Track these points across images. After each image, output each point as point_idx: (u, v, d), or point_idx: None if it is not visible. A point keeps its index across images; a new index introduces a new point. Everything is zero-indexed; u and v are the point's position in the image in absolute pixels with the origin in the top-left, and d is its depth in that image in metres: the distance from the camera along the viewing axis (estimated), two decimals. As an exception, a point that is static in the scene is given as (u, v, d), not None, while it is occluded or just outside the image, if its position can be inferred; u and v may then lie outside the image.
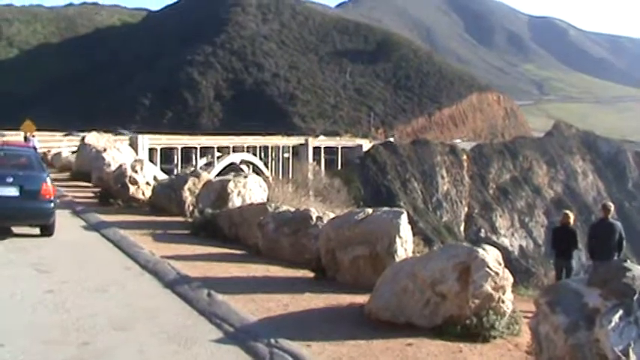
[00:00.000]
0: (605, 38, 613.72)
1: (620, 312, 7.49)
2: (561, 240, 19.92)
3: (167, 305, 11.48)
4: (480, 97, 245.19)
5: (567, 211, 21.14)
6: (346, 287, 12.78)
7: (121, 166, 27.35)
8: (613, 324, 7.42)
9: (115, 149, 36.87)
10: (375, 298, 10.90)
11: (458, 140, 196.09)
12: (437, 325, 10.25)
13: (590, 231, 19.65)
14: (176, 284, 12.75)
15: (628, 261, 8.31)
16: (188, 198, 23.09)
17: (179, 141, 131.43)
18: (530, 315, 9.16)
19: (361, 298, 11.57)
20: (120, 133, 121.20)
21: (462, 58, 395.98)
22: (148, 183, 26.23)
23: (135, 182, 26.01)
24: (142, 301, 11.64)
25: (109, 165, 31.18)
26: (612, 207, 20.13)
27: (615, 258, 18.41)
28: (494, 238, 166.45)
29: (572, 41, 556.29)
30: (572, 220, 20.40)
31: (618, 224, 19.27)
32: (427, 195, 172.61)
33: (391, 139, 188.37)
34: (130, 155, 38.33)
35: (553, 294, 8.43)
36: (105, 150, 34.65)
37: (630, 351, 7.33)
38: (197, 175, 24.36)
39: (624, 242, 18.81)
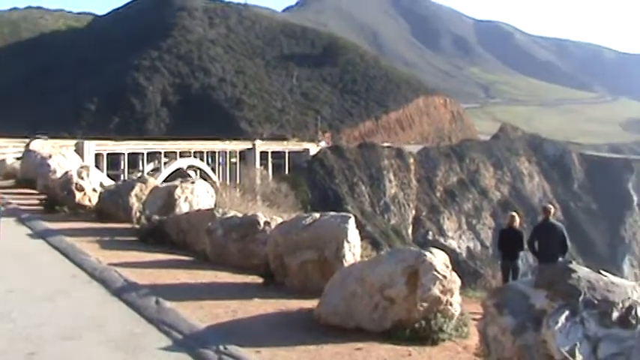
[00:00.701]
0: (551, 42, 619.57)
1: (566, 313, 7.58)
2: (508, 242, 20.06)
3: (115, 313, 11.40)
4: (427, 101, 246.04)
5: (513, 213, 21.32)
6: (295, 292, 12.79)
7: (66, 172, 27.08)
8: (559, 325, 7.51)
9: (61, 155, 36.45)
10: (323, 303, 10.92)
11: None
12: (386, 329, 10.30)
13: (532, 233, 19.85)
14: (124, 292, 12.66)
15: (573, 262, 8.41)
16: (135, 204, 22.90)
17: (125, 146, 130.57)
18: (478, 317, 9.23)
19: (310, 303, 11.58)
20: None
21: (409, 62, 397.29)
22: (94, 189, 26.00)
23: (81, 189, 25.78)
24: (89, 310, 11.55)
25: (55, 172, 30.85)
26: (553, 209, 20.33)
27: (560, 259, 18.59)
28: (441, 240, 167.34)
29: (517, 45, 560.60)
30: (518, 222, 20.55)
31: (560, 226, 19.48)
32: (375, 198, 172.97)
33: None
34: (76, 161, 37.93)
35: (500, 296, 8.50)
36: (50, 156, 34.26)
37: (576, 351, 7.42)
38: (144, 181, 24.19)
39: (568, 243, 18.98)
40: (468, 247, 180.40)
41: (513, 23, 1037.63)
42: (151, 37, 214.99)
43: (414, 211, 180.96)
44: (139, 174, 77.96)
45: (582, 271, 7.99)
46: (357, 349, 9.67)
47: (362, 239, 14.67)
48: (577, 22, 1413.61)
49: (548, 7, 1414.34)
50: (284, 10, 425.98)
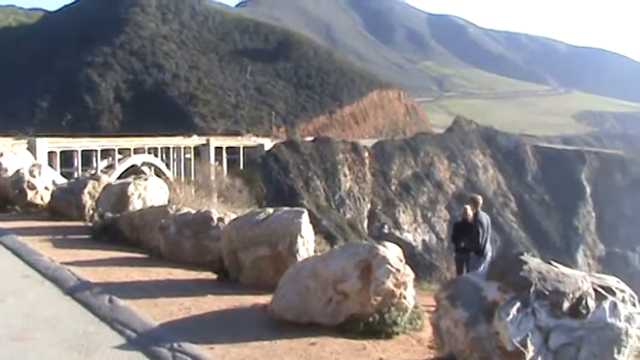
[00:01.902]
0: (503, 35, 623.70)
1: (518, 304, 7.62)
2: (461, 234, 20.10)
3: (68, 313, 11.29)
4: (381, 95, 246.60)
5: (467, 206, 21.32)
6: (249, 288, 12.75)
7: (18, 170, 26.78)
8: (511, 316, 7.55)
9: (12, 154, 36.07)
10: (277, 298, 10.91)
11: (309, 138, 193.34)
12: (340, 324, 10.30)
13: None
14: (77, 291, 12.53)
15: (525, 254, 8.46)
16: (88, 202, 22.70)
17: (79, 143, 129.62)
18: (433, 310, 9.26)
19: (264, 299, 11.56)
20: None
21: (363, 56, 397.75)
22: (46, 188, 25.73)
23: (33, 187, 25.50)
24: (41, 310, 11.42)
25: (6, 170, 30.50)
26: (481, 199, 20.35)
27: (487, 249, 18.83)
28: (397, 233, 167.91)
29: (470, 38, 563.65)
30: (471, 214, 20.56)
31: (486, 217, 19.58)
32: (330, 193, 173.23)
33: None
34: (28, 159, 37.56)
35: (453, 288, 8.54)
36: (1, 155, 33.89)
37: (528, 342, 7.48)
38: (97, 179, 23.99)
39: (487, 233, 19.04)
40: (423, 240, 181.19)
41: (466, 17, 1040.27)
42: (104, 33, 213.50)
43: (369, 205, 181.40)
44: (93, 171, 77.56)
45: (534, 263, 8.04)
46: (311, 343, 9.67)
47: (316, 234, 14.70)
48: (529, 15, 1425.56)
49: (501, 0, 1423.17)
50: (237, 5, 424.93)
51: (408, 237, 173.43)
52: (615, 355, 7.79)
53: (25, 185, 25.40)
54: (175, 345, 9.30)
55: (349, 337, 9.94)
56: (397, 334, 10.23)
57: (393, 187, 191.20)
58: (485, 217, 19.44)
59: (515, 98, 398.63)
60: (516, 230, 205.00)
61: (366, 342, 9.82)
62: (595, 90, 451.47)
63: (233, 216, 15.76)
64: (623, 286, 8.20)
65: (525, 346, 7.46)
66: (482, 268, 18.59)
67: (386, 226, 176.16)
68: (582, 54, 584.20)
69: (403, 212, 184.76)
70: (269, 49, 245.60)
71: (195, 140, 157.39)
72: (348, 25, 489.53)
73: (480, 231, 19.21)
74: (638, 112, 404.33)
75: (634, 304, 8.06)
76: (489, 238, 19.17)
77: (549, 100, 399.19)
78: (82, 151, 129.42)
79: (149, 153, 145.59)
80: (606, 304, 7.86)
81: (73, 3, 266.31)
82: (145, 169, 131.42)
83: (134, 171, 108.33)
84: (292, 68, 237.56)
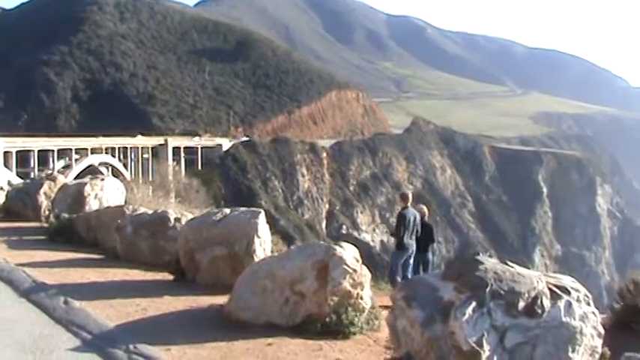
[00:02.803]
0: (461, 36, 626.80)
1: (474, 304, 7.67)
2: (428, 235, 20.09)
3: (22, 315, 11.20)
4: (339, 95, 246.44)
5: (422, 206, 21.32)
6: (206, 289, 12.73)
7: (-29, 171, 26.58)
8: (467, 316, 7.60)
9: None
10: (234, 298, 10.90)
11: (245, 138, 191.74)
12: (297, 324, 10.33)
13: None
14: (32, 293, 12.43)
15: (481, 254, 8.50)
16: (44, 202, 22.57)
17: (35, 143, 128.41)
18: (390, 309, 9.28)
19: (221, 299, 11.55)
20: None
21: (321, 57, 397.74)
22: (1, 188, 25.55)
23: (-13, 188, 25.31)
24: (-5, 312, 11.32)
25: (-39, 171, 30.25)
26: (410, 195, 20.22)
27: (408, 244, 18.83)
28: (355, 234, 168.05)
29: (429, 39, 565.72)
30: (427, 215, 20.59)
31: (413, 212, 19.55)
32: (288, 193, 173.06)
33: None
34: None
35: (409, 289, 8.58)
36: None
37: (484, 341, 7.53)
38: (53, 179, 23.84)
39: (408, 229, 19.00)
40: (381, 241, 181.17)
41: (425, 18, 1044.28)
42: (61, 31, 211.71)
43: (327, 206, 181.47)
44: (49, 171, 77.00)
45: (489, 263, 8.10)
46: (268, 344, 9.67)
47: (273, 234, 14.71)
48: (487, 17, 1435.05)
49: (459, 2, 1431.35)
50: (196, 5, 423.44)
51: (366, 237, 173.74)
52: (570, 354, 7.86)
53: (-21, 186, 25.17)
54: (131, 346, 9.27)
55: (306, 338, 9.96)
56: (354, 334, 10.26)
57: (351, 188, 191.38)
58: (411, 213, 19.34)
59: (473, 99, 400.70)
60: (474, 230, 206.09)
61: (323, 342, 9.83)
62: (552, 91, 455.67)
63: (190, 216, 15.73)
64: (577, 285, 8.28)
65: (481, 346, 7.50)
66: (402, 261, 18.74)
67: (344, 227, 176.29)
68: (539, 55, 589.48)
69: (361, 213, 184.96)
70: (227, 49, 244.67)
71: (141, 140, 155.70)
72: (307, 25, 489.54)
73: (401, 226, 19.12)
74: (595, 113, 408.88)
75: (588, 303, 8.15)
76: (411, 233, 19.05)
77: (507, 102, 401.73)
78: (39, 151, 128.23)
79: (106, 153, 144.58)
80: (561, 304, 7.93)
81: (30, 1, 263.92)
82: (103, 169, 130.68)
83: (91, 171, 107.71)
84: (251, 68, 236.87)
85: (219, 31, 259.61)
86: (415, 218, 19.00)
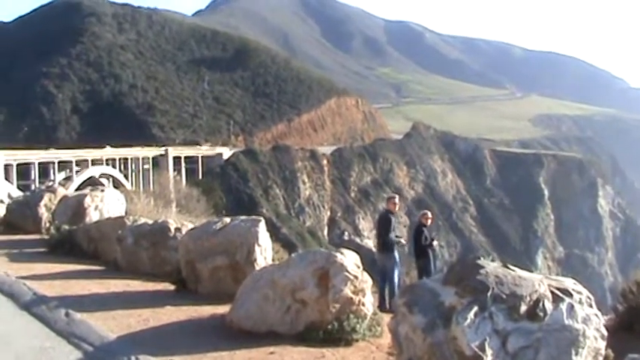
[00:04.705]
0: (460, 40, 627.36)
1: (475, 308, 7.63)
2: (418, 240, 20.15)
3: (24, 328, 11.16)
4: (339, 102, 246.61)
5: (425, 211, 21.44)
6: (207, 298, 12.70)
7: (-28, 184, 26.59)
8: (469, 321, 7.56)
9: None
10: (236, 307, 10.88)
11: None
12: (299, 332, 10.31)
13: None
14: (33, 305, 12.39)
15: (482, 258, 8.48)
16: (44, 214, 22.56)
17: (36, 156, 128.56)
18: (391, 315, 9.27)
19: (223, 309, 11.53)
20: None
21: (320, 64, 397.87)
22: (1, 201, 25.56)
23: (-12, 201, 25.30)
24: (-4, 326, 11.29)
25: (-40, 184, 30.28)
26: (396, 198, 20.39)
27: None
28: (357, 240, 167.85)
29: (428, 44, 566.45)
30: (429, 220, 20.65)
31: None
32: (289, 201, 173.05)
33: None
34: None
35: (410, 294, 8.54)
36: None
37: (486, 346, 7.49)
38: (53, 191, 23.83)
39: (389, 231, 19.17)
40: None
41: (423, 23, 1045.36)
42: (60, 43, 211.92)
43: (329, 212, 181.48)
44: (50, 183, 76.99)
45: (490, 267, 8.07)
46: (271, 352, 9.65)
47: (275, 242, 14.70)
48: (485, 20, 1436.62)
49: (457, 6, 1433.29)
50: (194, 14, 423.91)
51: (369, 243, 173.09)
52: (573, 357, 7.82)
53: (-20, 199, 25.17)
54: (133, 358, 9.24)
55: (308, 346, 9.94)
56: (356, 341, 10.25)
57: (352, 194, 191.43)
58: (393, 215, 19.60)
59: (472, 103, 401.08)
60: (476, 234, 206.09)
61: (325, 350, 9.81)
62: (552, 94, 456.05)
63: (190, 226, 15.70)
64: (579, 287, 8.24)
65: (483, 350, 7.46)
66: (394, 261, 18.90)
67: (346, 233, 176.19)
68: (538, 58, 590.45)
69: (363, 219, 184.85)
70: (226, 58, 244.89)
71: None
72: (306, 32, 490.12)
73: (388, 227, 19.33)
74: (595, 115, 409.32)
75: (591, 305, 8.12)
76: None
77: (507, 105, 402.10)
78: (39, 163, 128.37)
79: (107, 164, 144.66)
80: (563, 306, 7.89)
81: (28, 13, 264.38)
82: (104, 180, 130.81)
83: (92, 182, 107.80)
84: (250, 77, 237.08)
85: (218, 40, 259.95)
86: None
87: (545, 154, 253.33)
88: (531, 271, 8.58)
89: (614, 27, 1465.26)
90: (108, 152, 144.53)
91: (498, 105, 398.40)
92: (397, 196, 21.31)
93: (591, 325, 7.98)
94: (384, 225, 19.44)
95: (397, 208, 20.46)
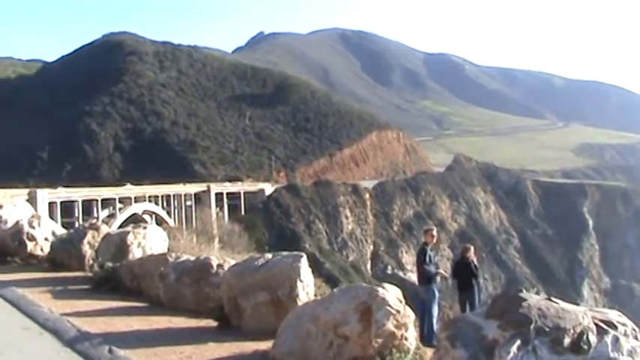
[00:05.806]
0: (499, 71, 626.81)
1: (518, 342, 7.56)
2: (462, 273, 20.12)
3: (67, 365, 11.21)
4: (380, 136, 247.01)
5: (468, 245, 21.46)
6: (250, 334, 12.65)
7: (17, 222, 26.74)
8: (511, 354, 7.49)
9: (12, 205, 36.07)
10: (278, 343, 10.84)
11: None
12: (342, 367, 10.25)
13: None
14: (76, 342, 12.43)
15: (525, 290, 8.41)
16: (88, 252, 22.63)
17: (79, 193, 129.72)
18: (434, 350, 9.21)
19: (265, 345, 11.48)
20: None
21: (360, 98, 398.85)
22: (46, 239, 25.68)
23: (33, 238, 25.43)
24: (40, 363, 11.34)
25: (6, 222, 30.43)
26: (435, 230, 20.76)
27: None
28: (401, 274, 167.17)
29: (467, 75, 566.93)
30: (471, 253, 20.63)
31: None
32: (332, 235, 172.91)
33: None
34: (28, 211, 37.52)
35: (453, 328, 8.47)
36: (1, 207, 33.86)
37: (530, 379, 7.42)
38: (96, 228, 23.93)
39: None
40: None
41: (462, 55, 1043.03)
42: (102, 82, 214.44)
43: (371, 247, 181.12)
44: (93, 221, 77.51)
45: (533, 299, 7.99)
46: (313, 388, 9.61)
47: (318, 277, 14.67)
48: (525, 50, 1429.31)
49: (496, 37, 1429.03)
50: (234, 51, 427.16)
51: (412, 277, 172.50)
52: (619, 390, 7.72)
53: (25, 237, 25.32)
54: (176, 394, 9.24)
55: (351, 381, 9.89)
56: (399, 375, 10.17)
57: (395, 228, 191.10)
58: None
59: (514, 134, 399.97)
60: (520, 266, 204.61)
61: (368, 384, 9.76)
62: (594, 123, 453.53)
63: (233, 262, 15.70)
64: (624, 319, 8.14)
65: (526, 384, 7.40)
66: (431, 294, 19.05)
67: (389, 267, 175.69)
68: (579, 87, 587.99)
69: (406, 252, 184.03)
70: (267, 94, 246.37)
71: (183, 187, 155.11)
72: (345, 67, 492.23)
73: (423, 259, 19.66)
74: (638, 143, 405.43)
75: (636, 338, 8.00)
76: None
77: (548, 135, 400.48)
78: (83, 200, 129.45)
79: (150, 201, 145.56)
80: (608, 339, 7.80)
81: (70, 53, 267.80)
82: (147, 217, 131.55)
83: (135, 219, 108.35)
84: (290, 112, 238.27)
85: (258, 77, 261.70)
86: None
87: (588, 184, 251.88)
88: (577, 303, 8.51)
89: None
90: (150, 189, 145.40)
91: (540, 135, 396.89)
92: (434, 228, 21.49)
93: (637, 357, 7.88)
94: (419, 257, 19.57)
95: (434, 240, 20.59)
